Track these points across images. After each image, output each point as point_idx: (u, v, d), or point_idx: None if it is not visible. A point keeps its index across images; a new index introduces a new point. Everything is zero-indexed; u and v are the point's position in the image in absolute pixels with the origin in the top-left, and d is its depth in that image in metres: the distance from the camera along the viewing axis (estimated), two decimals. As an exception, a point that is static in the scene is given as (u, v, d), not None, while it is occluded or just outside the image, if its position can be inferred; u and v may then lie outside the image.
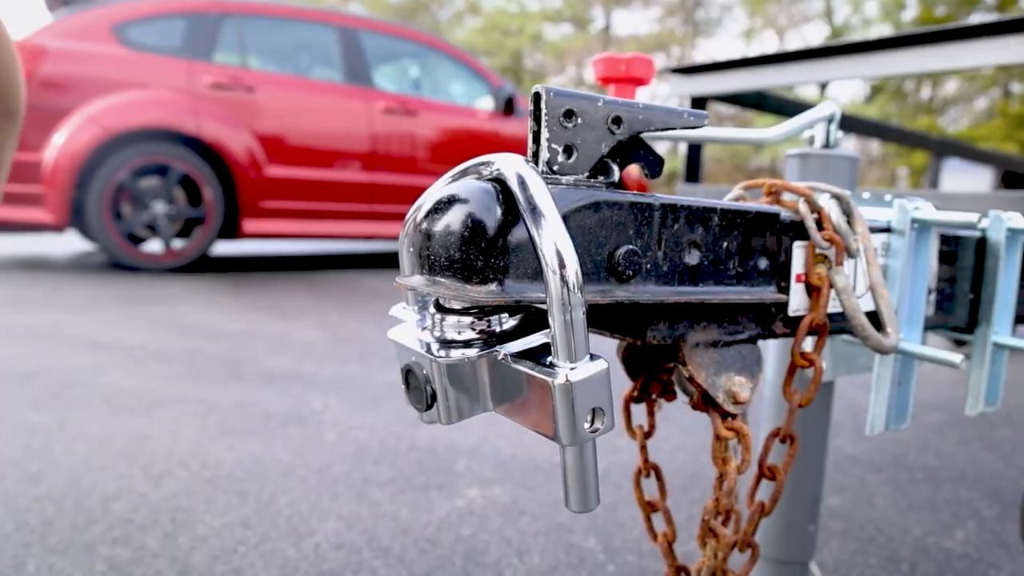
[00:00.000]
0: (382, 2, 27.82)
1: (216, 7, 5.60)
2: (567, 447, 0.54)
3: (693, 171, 2.70)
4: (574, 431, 0.52)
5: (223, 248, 7.43)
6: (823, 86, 17.41)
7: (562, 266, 0.49)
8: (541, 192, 0.52)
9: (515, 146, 6.41)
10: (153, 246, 5.43)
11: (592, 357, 0.52)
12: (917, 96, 24.14)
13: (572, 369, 0.51)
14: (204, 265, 5.63)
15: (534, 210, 0.51)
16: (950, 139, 9.46)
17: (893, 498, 1.86)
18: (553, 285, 0.49)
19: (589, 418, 0.52)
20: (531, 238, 0.51)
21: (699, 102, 2.76)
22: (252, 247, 7.89)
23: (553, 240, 0.50)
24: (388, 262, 6.84)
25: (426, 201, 0.58)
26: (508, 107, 6.57)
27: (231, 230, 5.48)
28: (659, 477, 0.85)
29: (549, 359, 0.53)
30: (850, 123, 3.83)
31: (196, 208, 5.31)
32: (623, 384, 0.82)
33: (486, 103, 6.68)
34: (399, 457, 1.99)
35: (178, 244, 5.44)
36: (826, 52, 2.67)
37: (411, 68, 6.81)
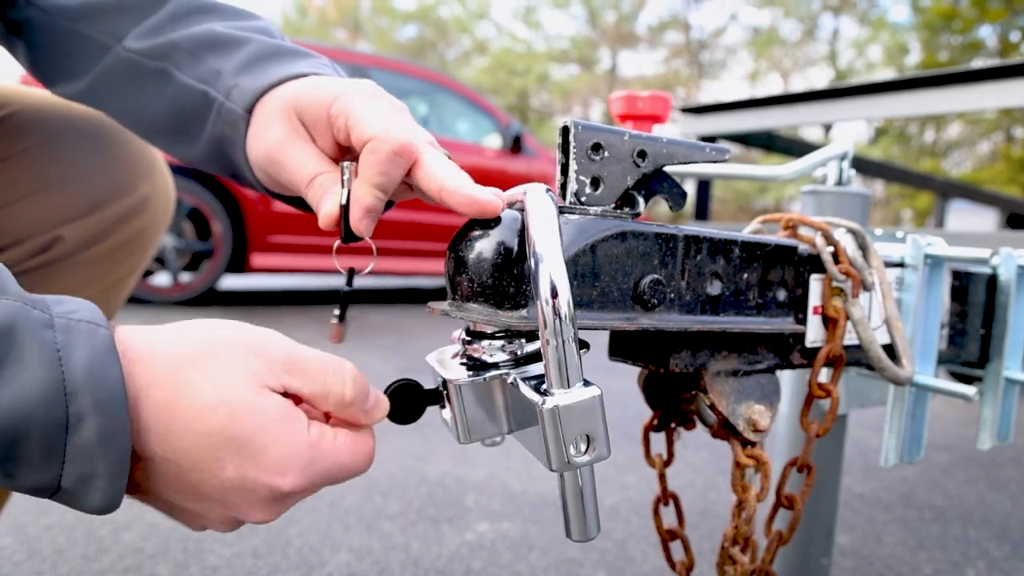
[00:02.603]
0: (390, 40, 28.11)
1: (229, 44, 5.66)
2: (561, 473, 0.55)
3: (702, 209, 2.73)
4: (561, 456, 0.52)
5: (231, 282, 7.46)
6: (827, 128, 17.53)
7: (554, 295, 0.50)
8: (547, 222, 0.52)
9: (522, 184, 6.41)
10: (161, 279, 5.44)
11: (586, 383, 0.53)
12: (920, 139, 24.27)
13: (565, 394, 0.52)
14: (212, 299, 5.65)
15: (534, 239, 0.52)
16: (955, 180, 9.51)
17: (902, 536, 1.86)
18: (544, 314, 0.50)
19: (582, 445, 0.53)
20: (528, 266, 0.52)
21: (707, 141, 2.79)
22: (260, 281, 7.91)
23: (548, 270, 0.50)
24: (394, 297, 6.86)
25: (462, 230, 0.60)
26: (515, 145, 6.61)
27: (239, 264, 5.50)
28: (678, 506, 0.86)
29: (544, 386, 0.54)
30: (856, 163, 3.86)
31: (204, 241, 5.33)
32: (644, 413, 0.83)
33: (493, 141, 6.73)
34: (408, 490, 1.99)
35: (186, 277, 5.46)
36: (833, 94, 2.71)
37: (420, 105, 6.86)
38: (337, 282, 8.20)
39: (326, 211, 0.66)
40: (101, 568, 1.49)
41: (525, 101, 27.13)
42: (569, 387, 0.52)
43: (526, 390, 0.55)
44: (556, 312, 0.50)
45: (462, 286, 0.58)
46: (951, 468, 2.47)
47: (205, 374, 0.53)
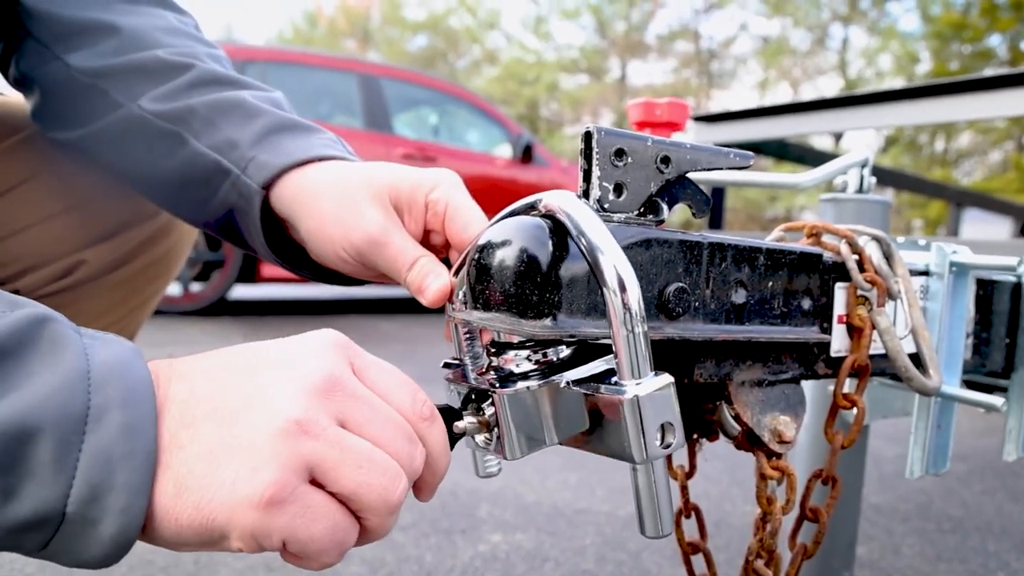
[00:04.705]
0: (400, 51, 28.19)
1: (240, 54, 5.68)
2: (638, 466, 0.54)
3: (716, 217, 2.72)
4: (645, 448, 0.52)
5: (241, 292, 7.47)
6: (837, 137, 17.50)
7: (623, 288, 0.50)
8: (594, 221, 0.52)
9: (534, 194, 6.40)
10: (172, 289, 5.46)
11: (656, 373, 0.52)
12: (931, 148, 24.19)
13: (638, 384, 0.51)
14: (222, 308, 5.65)
15: (590, 238, 0.51)
16: (969, 189, 9.46)
17: (920, 548, 1.84)
18: (615, 306, 0.50)
19: (659, 434, 0.52)
20: (590, 265, 0.52)
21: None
22: (270, 291, 7.92)
23: (612, 263, 0.50)
24: (404, 307, 6.86)
25: (480, 238, 0.59)
26: (526, 155, 6.60)
27: (250, 274, 5.49)
28: (700, 518, 0.85)
29: (614, 379, 0.53)
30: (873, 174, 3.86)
31: (215, 251, 5.33)
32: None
33: (504, 151, 6.73)
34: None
35: (196, 287, 5.47)
36: (844, 102, 2.70)
37: (430, 115, 6.87)
38: (345, 292, 8.21)
39: (436, 289, 0.68)
40: (113, 579, 1.49)
41: (535, 111, 27.15)
42: (641, 377, 0.51)
43: (594, 388, 0.54)
44: (626, 305, 0.50)
45: (484, 295, 0.57)
46: (968, 478, 2.45)
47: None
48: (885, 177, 4.44)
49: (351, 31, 29.04)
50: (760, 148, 3.26)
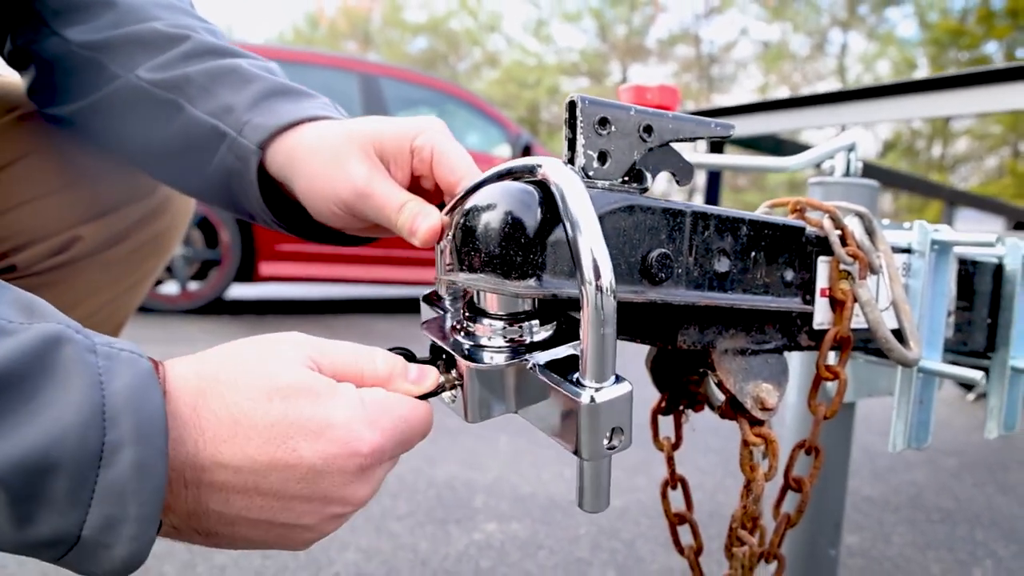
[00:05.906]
0: (400, 53, 28.20)
1: (239, 54, 5.68)
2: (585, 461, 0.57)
3: (712, 201, 2.73)
4: (594, 447, 0.55)
5: (239, 291, 7.46)
6: (836, 141, 17.51)
7: (598, 276, 0.51)
8: (583, 200, 0.53)
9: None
10: (169, 288, 5.45)
11: (618, 379, 0.54)
12: (928, 153, 24.26)
13: (598, 390, 0.53)
14: (219, 307, 5.65)
15: (575, 219, 0.53)
16: (962, 190, 9.47)
17: (911, 537, 1.85)
18: (588, 295, 0.51)
19: (608, 435, 0.55)
20: (570, 246, 0.53)
21: (716, 146, 2.79)
22: (268, 290, 7.92)
23: (590, 249, 0.51)
24: (401, 307, 6.86)
25: (470, 200, 0.60)
26: (525, 155, 6.57)
27: (247, 273, 5.48)
28: (686, 489, 0.86)
29: (576, 375, 0.55)
30: (864, 171, 3.86)
31: (213, 250, 5.33)
32: (651, 396, 0.84)
33: (503, 151, 6.73)
34: (417, 492, 1.99)
35: (194, 286, 5.47)
36: (841, 96, 2.70)
37: (429, 115, 6.85)
38: (345, 291, 8.21)
39: (427, 229, 0.68)
40: (110, 564, 1.49)
41: (535, 114, 27.15)
42: (604, 381, 0.53)
43: (557, 382, 0.56)
44: (600, 291, 0.51)
45: (470, 255, 0.58)
46: (959, 472, 2.47)
47: (247, 372, 0.53)
48: (881, 176, 4.45)
49: (352, 33, 29.05)
50: (756, 145, 3.28)
